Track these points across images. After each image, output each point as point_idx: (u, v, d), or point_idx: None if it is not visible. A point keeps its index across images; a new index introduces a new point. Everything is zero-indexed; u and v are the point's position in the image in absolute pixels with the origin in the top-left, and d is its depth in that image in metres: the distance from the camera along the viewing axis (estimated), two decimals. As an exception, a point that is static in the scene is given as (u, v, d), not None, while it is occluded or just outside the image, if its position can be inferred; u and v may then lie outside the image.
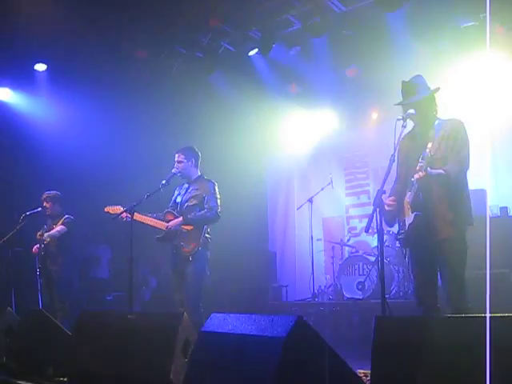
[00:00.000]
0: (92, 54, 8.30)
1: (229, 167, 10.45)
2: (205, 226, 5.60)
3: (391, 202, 4.10)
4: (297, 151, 11.37)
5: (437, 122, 4.10)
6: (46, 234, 6.94)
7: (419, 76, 4.28)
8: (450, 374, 2.38)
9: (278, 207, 11.56)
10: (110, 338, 3.81)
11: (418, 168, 3.86)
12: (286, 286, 9.78)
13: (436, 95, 4.17)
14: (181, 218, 5.59)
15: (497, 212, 7.78)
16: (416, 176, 3.87)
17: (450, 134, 4.02)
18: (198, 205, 5.67)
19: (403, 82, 4.25)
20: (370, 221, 3.73)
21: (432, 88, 4.18)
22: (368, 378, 3.78)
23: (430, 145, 3.89)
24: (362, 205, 10.42)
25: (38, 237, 6.98)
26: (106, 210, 5.85)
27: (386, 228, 4.25)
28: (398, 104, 4.25)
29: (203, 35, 8.87)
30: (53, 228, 7.10)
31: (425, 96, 4.12)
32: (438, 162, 3.96)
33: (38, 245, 6.97)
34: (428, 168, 3.83)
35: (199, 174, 5.89)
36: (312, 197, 9.37)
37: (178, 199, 5.84)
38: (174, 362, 3.42)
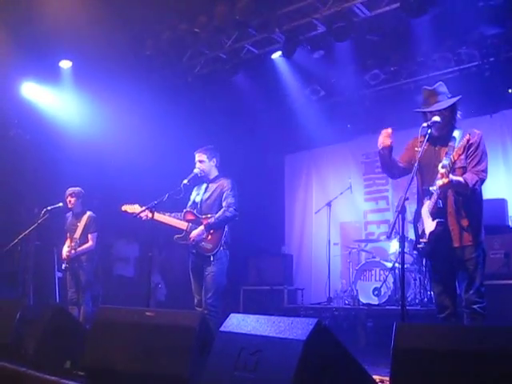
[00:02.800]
0: (116, 51, 8.36)
1: (248, 168, 10.49)
2: (225, 226, 5.59)
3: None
4: (315, 155, 11.41)
5: (456, 131, 4.12)
6: (72, 252, 7.01)
7: (442, 84, 4.28)
8: (471, 381, 2.37)
9: (296, 210, 11.55)
10: (127, 335, 3.83)
11: (439, 175, 3.86)
12: (302, 289, 9.76)
13: (458, 104, 4.17)
14: (202, 227, 5.50)
15: (517, 222, 7.72)
16: (440, 183, 3.87)
17: (470, 144, 4.03)
18: (217, 203, 5.66)
19: (425, 88, 4.25)
20: (393, 227, 3.73)
21: (454, 97, 4.18)
22: (384, 384, 3.79)
23: (450, 153, 3.90)
24: (381, 210, 10.39)
25: (66, 253, 7.05)
26: (123, 208, 5.84)
27: (407, 235, 4.24)
28: (420, 111, 4.25)
29: (227, 36, 8.90)
30: (77, 226, 7.20)
31: (449, 105, 4.11)
32: (457, 172, 4.00)
33: (67, 253, 7.03)
34: (450, 175, 3.83)
35: (218, 173, 5.89)
36: (331, 201, 9.38)
37: (198, 199, 5.81)
38: (192, 361, 3.44)
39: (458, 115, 4.20)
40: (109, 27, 7.95)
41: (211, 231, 5.52)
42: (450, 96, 4.19)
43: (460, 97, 4.19)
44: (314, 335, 2.73)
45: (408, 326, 2.78)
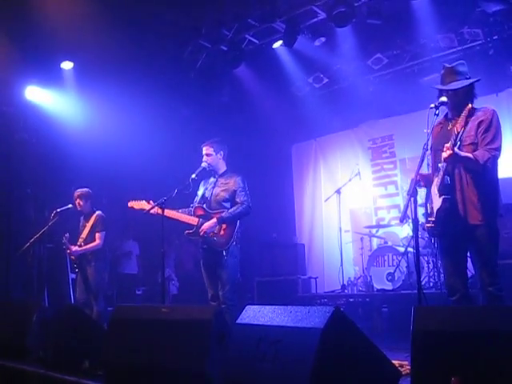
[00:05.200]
0: (117, 50, 8.34)
1: (255, 161, 10.48)
2: (238, 221, 5.56)
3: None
4: (322, 143, 11.40)
5: (470, 110, 4.03)
6: (79, 249, 7.02)
7: (463, 63, 4.20)
8: (491, 363, 2.36)
9: (305, 199, 11.54)
10: (144, 332, 3.84)
11: (444, 148, 3.80)
12: (315, 278, 9.76)
13: (475, 85, 4.11)
14: (215, 220, 5.47)
15: (529, 200, 7.65)
16: (444, 155, 3.80)
17: (482, 121, 3.97)
18: (228, 199, 5.61)
19: (446, 66, 4.17)
20: (405, 210, 3.70)
21: (473, 78, 4.10)
22: (403, 369, 3.77)
23: (460, 131, 3.84)
24: (390, 195, 10.36)
25: (77, 245, 7.07)
26: (129, 205, 5.83)
27: (420, 218, 4.17)
28: (436, 87, 4.19)
29: (227, 29, 8.86)
30: (85, 226, 7.21)
31: (464, 85, 4.04)
32: (467, 148, 3.92)
33: (75, 248, 7.04)
34: (455, 148, 3.77)
35: (226, 167, 5.83)
36: (339, 188, 9.34)
37: (207, 194, 5.73)
38: (210, 355, 3.44)
39: (475, 97, 4.11)
40: (109, 26, 7.92)
41: (223, 226, 5.50)
42: (468, 77, 4.12)
43: (477, 79, 4.11)
44: (331, 323, 2.72)
45: (426, 309, 2.77)
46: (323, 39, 8.84)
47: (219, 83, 9.92)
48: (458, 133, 3.80)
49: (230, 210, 5.53)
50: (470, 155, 3.85)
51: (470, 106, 3.92)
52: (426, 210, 4.16)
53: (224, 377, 3.27)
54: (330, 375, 2.68)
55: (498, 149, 3.93)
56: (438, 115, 3.97)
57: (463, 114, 3.88)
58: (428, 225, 4.03)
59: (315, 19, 8.45)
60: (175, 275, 10.84)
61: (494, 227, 3.94)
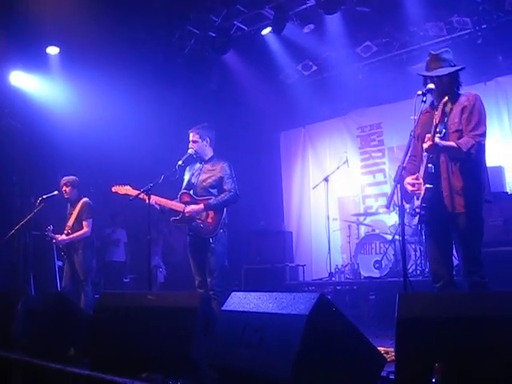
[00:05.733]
0: (105, 35, 8.24)
1: (243, 148, 10.46)
2: (225, 209, 5.54)
3: (414, 183, 4.00)
4: (310, 131, 11.39)
5: (455, 96, 4.01)
6: (65, 238, 6.97)
7: (448, 51, 4.17)
8: (474, 348, 2.36)
9: (293, 187, 11.54)
10: (130, 319, 3.83)
11: (426, 139, 3.79)
12: (303, 266, 9.78)
13: (460, 73, 4.09)
14: (202, 206, 5.45)
15: (515, 189, 7.72)
16: (424, 145, 3.79)
17: (465, 107, 3.95)
18: (214, 185, 5.58)
19: (431, 53, 4.15)
20: (391, 197, 3.69)
21: (458, 66, 4.08)
22: (388, 356, 3.78)
23: (440, 116, 3.82)
24: (378, 184, 10.39)
25: (64, 233, 7.01)
26: (113, 189, 5.77)
27: (406, 205, 4.17)
28: (420, 74, 4.17)
29: (216, 15, 8.79)
30: (72, 214, 7.15)
31: (448, 73, 4.01)
32: (453, 136, 3.91)
33: (56, 241, 6.99)
34: (436, 139, 3.75)
35: (212, 153, 5.78)
36: (328, 176, 9.34)
37: (193, 180, 5.68)
38: (195, 342, 3.43)
39: (460, 85, 4.10)
40: (96, 11, 7.82)
41: (210, 213, 5.47)
42: (453, 64, 4.10)
43: (462, 67, 4.08)
44: (317, 309, 2.71)
45: (411, 296, 2.77)
46: (312, 26, 8.80)
47: (207, 69, 9.85)
48: (437, 124, 3.78)
49: (217, 198, 5.50)
50: (452, 144, 3.83)
51: (446, 98, 3.89)
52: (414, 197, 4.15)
53: (209, 363, 3.27)
54: (315, 362, 2.67)
55: (483, 134, 3.90)
56: (425, 102, 3.95)
57: (440, 106, 3.86)
58: (414, 212, 4.02)
59: (304, 6, 8.41)
60: (163, 263, 10.82)
61: (479, 215, 3.93)
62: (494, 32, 8.38)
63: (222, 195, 5.51)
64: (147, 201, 5.37)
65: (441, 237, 4.04)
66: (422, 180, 3.92)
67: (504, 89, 8.95)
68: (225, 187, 5.55)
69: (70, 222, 7.07)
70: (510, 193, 7.60)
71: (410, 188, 3.95)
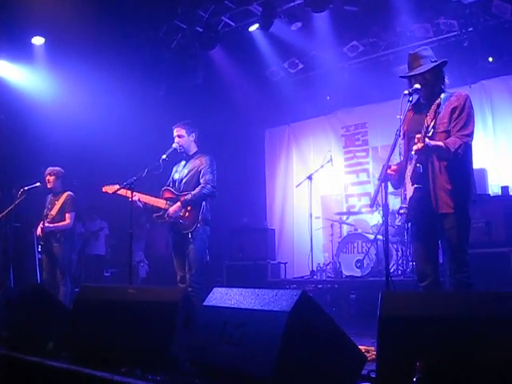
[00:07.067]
0: (91, 27, 8.16)
1: (227, 144, 10.43)
2: (203, 203, 5.54)
3: (392, 170, 3.99)
4: (295, 129, 11.39)
5: (443, 95, 3.99)
6: (51, 226, 6.90)
7: (426, 48, 4.18)
8: (455, 348, 2.37)
9: (277, 184, 11.54)
10: (110, 313, 3.79)
11: (416, 140, 3.78)
12: (285, 264, 9.78)
13: (443, 69, 4.08)
14: (179, 204, 5.48)
15: (497, 191, 7.77)
16: (414, 147, 3.75)
17: (455, 107, 3.94)
18: (194, 180, 5.60)
19: (410, 53, 4.15)
20: (376, 196, 3.69)
21: (439, 61, 4.08)
22: (369, 354, 3.79)
23: (432, 118, 3.81)
24: (361, 183, 10.43)
25: (44, 223, 6.92)
26: (104, 189, 5.79)
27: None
28: (403, 76, 4.17)
29: (203, 10, 8.75)
30: (55, 204, 7.09)
31: (429, 68, 3.99)
32: (440, 136, 3.90)
33: (41, 226, 6.91)
34: (426, 139, 3.75)
35: (196, 149, 5.81)
36: (311, 174, 9.33)
37: (176, 176, 5.77)
38: (176, 337, 3.41)
39: (446, 80, 4.09)
40: (82, 3, 7.75)
41: (188, 208, 5.48)
42: (434, 60, 4.08)
43: (444, 60, 4.06)
44: (298, 306, 2.70)
45: (394, 295, 2.77)
46: (299, 24, 8.79)
47: (194, 64, 9.78)
48: (429, 125, 3.77)
49: (193, 192, 5.52)
50: (441, 144, 3.83)
51: (439, 100, 3.88)
52: (401, 195, 4.15)
53: (189, 359, 3.25)
54: (296, 359, 2.67)
55: (470, 135, 3.91)
56: (411, 102, 3.95)
57: (433, 107, 3.84)
58: (401, 211, 4.02)
59: (292, 3, 8.40)
60: (146, 258, 10.76)
61: (466, 214, 3.93)
62: (480, 35, 8.43)
63: (198, 189, 5.53)
64: (130, 197, 5.36)
65: (428, 236, 4.04)
66: (409, 180, 3.92)
67: (488, 92, 9.03)
68: (201, 180, 5.57)
69: (54, 211, 7.00)
70: (492, 195, 7.66)
71: (389, 171, 3.91)
